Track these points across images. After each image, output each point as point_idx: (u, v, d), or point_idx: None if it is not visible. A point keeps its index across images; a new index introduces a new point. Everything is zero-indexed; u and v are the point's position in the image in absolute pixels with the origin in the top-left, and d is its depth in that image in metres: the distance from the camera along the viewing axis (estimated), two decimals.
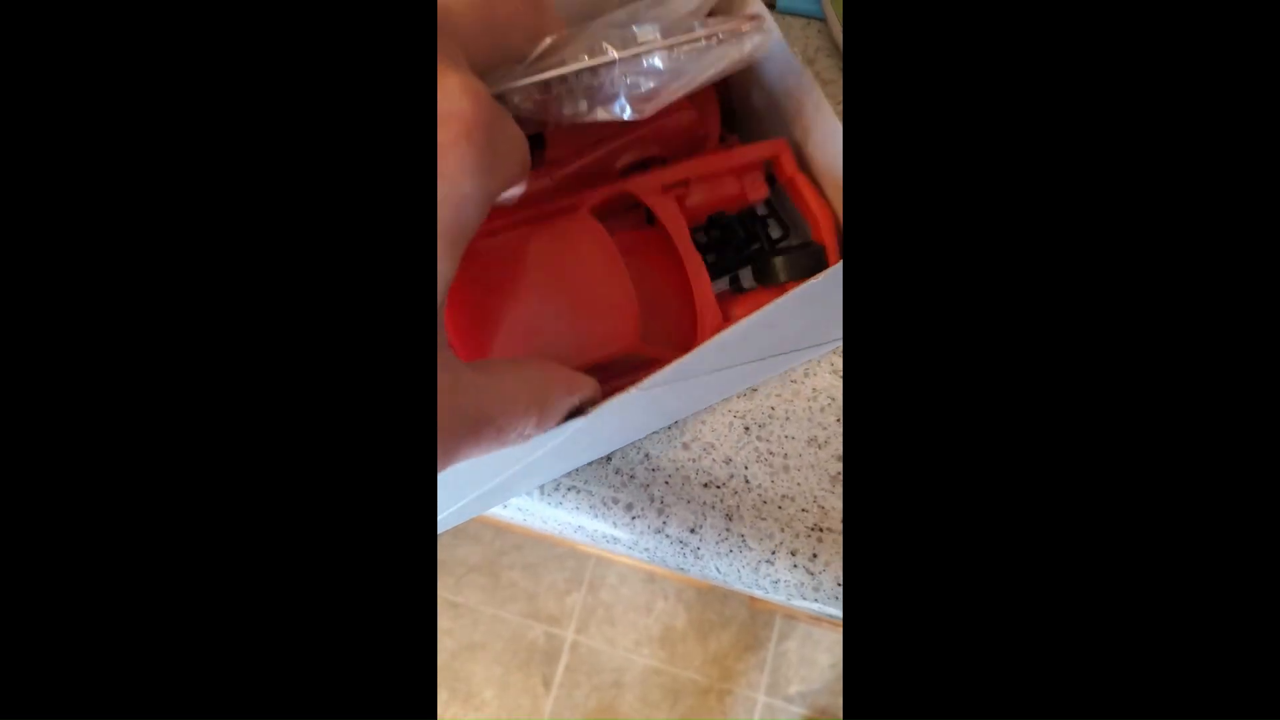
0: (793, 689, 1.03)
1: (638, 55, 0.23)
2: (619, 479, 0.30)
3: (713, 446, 0.30)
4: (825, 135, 0.27)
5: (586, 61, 0.23)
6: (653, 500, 0.30)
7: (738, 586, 0.30)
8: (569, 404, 0.21)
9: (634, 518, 0.30)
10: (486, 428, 0.19)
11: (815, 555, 0.29)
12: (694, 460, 0.30)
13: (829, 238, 0.27)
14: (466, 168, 0.16)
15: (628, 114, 0.23)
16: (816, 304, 0.25)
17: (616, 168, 0.28)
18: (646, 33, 0.24)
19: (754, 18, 0.25)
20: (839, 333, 0.31)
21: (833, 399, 0.31)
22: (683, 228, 0.27)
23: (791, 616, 1.02)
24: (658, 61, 0.23)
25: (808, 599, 0.29)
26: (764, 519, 0.29)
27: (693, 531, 0.29)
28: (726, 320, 0.27)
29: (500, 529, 1.11)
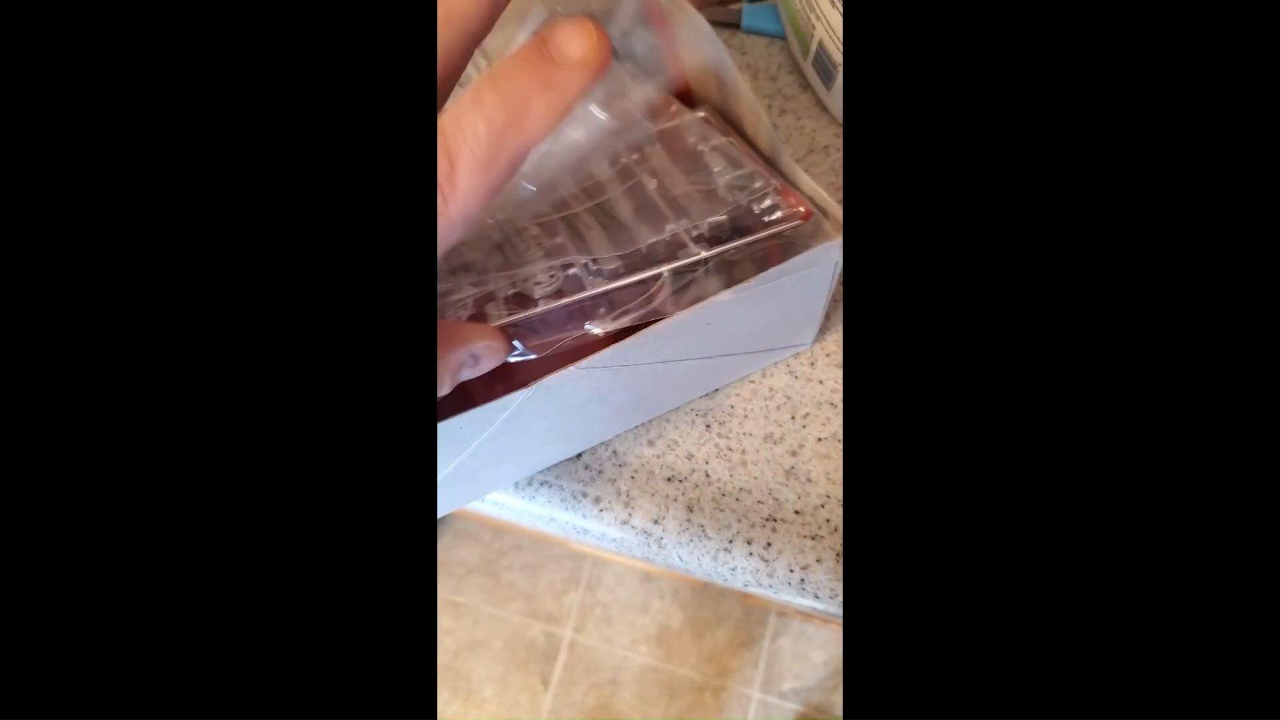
0: (787, 685, 1.05)
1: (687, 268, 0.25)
2: (588, 474, 0.32)
3: (676, 443, 0.33)
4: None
5: (631, 279, 0.24)
6: (619, 494, 0.32)
7: (699, 575, 0.32)
8: (456, 359, 0.21)
9: (601, 510, 0.32)
10: None
11: (769, 544, 0.31)
12: (659, 456, 0.32)
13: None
14: None
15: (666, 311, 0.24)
16: (757, 307, 0.27)
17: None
18: (689, 238, 0.25)
19: (808, 215, 0.26)
20: (798, 338, 0.33)
21: (788, 398, 0.33)
22: None
23: (785, 614, 1.04)
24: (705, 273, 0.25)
25: (763, 586, 0.31)
26: (722, 510, 0.31)
27: (656, 523, 0.31)
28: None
29: (499, 530, 1.13)
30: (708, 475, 0.32)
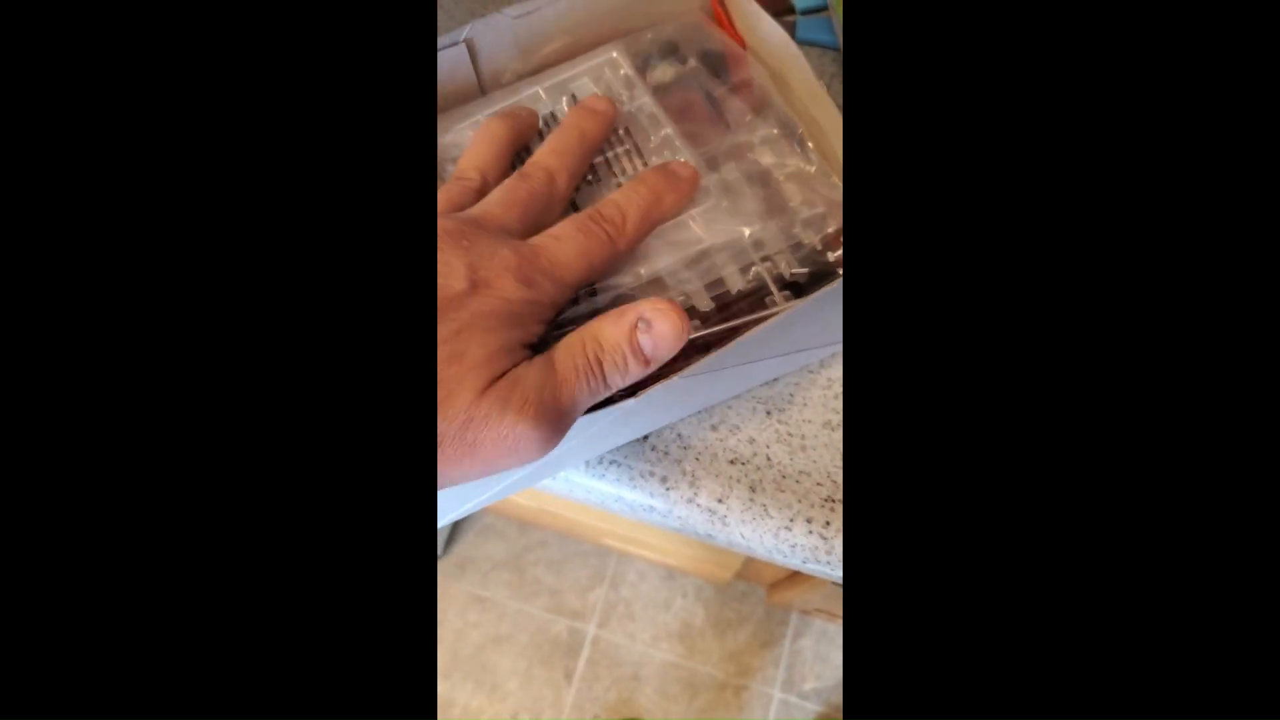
0: (808, 685, 1.06)
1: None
2: (655, 455, 0.34)
3: (738, 428, 0.34)
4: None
5: (724, 326, 0.29)
6: (685, 474, 0.34)
7: (760, 552, 0.34)
8: (627, 322, 0.24)
9: (668, 489, 0.34)
10: (587, 377, 0.23)
11: (828, 523, 0.32)
12: (721, 440, 0.34)
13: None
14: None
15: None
16: (833, 311, 0.30)
17: None
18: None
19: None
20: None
21: None
22: None
23: (807, 614, 1.06)
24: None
25: (820, 562, 0.32)
26: (783, 491, 0.33)
27: (720, 501, 0.33)
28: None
29: (525, 527, 1.15)
30: (769, 459, 0.34)
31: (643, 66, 0.34)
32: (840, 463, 0.33)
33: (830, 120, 0.32)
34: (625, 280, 0.29)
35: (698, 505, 0.33)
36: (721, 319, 0.29)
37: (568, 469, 0.34)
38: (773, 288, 0.30)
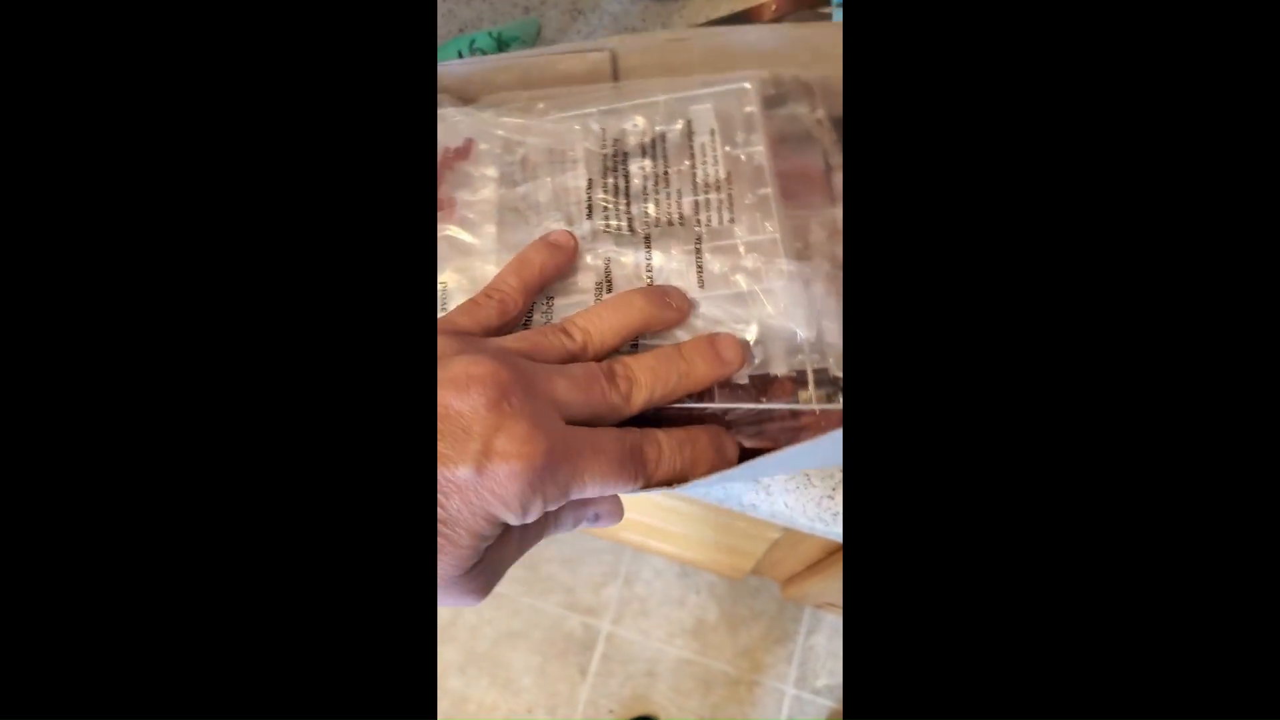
0: (820, 682, 1.07)
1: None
2: None
3: None
4: None
5: (763, 405, 0.28)
6: None
7: (801, 523, 0.35)
8: (584, 514, 0.26)
9: None
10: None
11: None
12: None
13: None
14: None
15: None
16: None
17: None
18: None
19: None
20: None
21: None
22: None
23: (820, 609, 1.06)
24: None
25: None
26: None
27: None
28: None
29: None
30: None
31: (773, 101, 0.33)
32: None
33: None
34: (678, 336, 0.28)
35: None
36: (753, 396, 0.28)
37: None
38: (810, 383, 0.28)
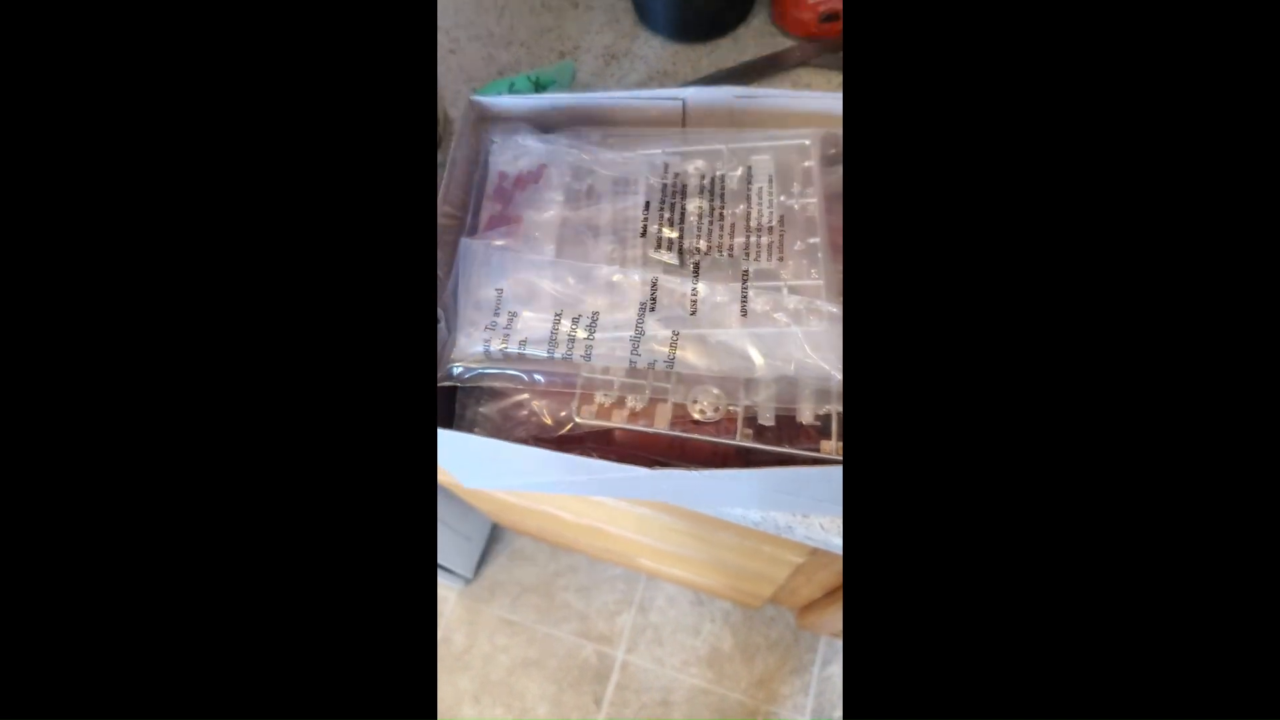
0: (837, 713, 1.06)
1: None
2: None
3: None
4: None
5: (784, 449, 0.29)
6: None
7: (837, 545, 0.36)
8: None
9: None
10: None
11: None
12: None
13: None
14: None
15: None
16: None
17: None
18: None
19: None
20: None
21: None
22: None
23: (837, 637, 1.06)
24: None
25: None
26: None
27: None
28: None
29: (555, 552, 1.16)
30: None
31: (831, 159, 0.34)
32: None
33: None
34: (706, 365, 0.29)
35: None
36: (776, 439, 0.29)
37: (570, 493, 0.37)
38: (834, 433, 0.29)
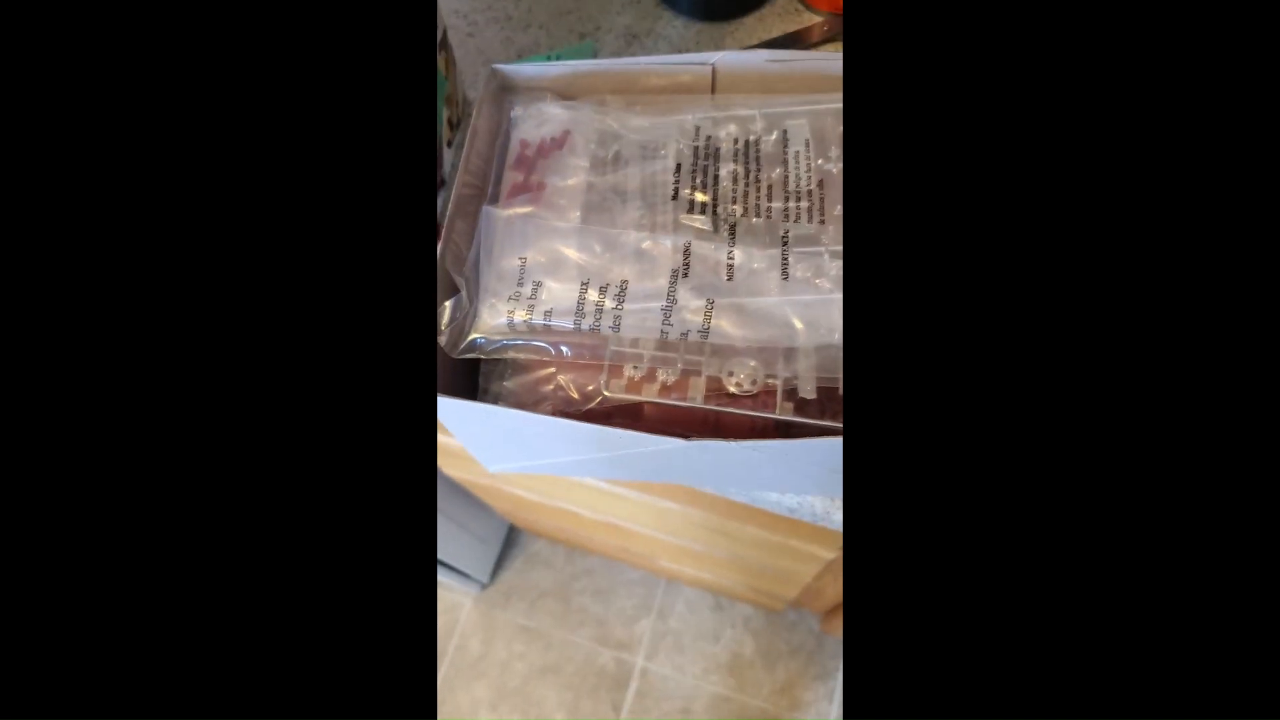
0: None
1: None
2: None
3: None
4: None
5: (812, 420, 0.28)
6: None
7: None
8: None
9: None
10: None
11: None
12: None
13: None
14: None
15: None
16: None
17: None
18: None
19: None
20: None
21: None
22: None
23: None
24: None
25: None
26: None
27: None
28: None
29: (572, 555, 1.15)
30: None
31: None
32: None
33: None
34: (743, 335, 0.28)
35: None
36: (817, 412, 0.28)
37: (595, 475, 0.35)
38: None
